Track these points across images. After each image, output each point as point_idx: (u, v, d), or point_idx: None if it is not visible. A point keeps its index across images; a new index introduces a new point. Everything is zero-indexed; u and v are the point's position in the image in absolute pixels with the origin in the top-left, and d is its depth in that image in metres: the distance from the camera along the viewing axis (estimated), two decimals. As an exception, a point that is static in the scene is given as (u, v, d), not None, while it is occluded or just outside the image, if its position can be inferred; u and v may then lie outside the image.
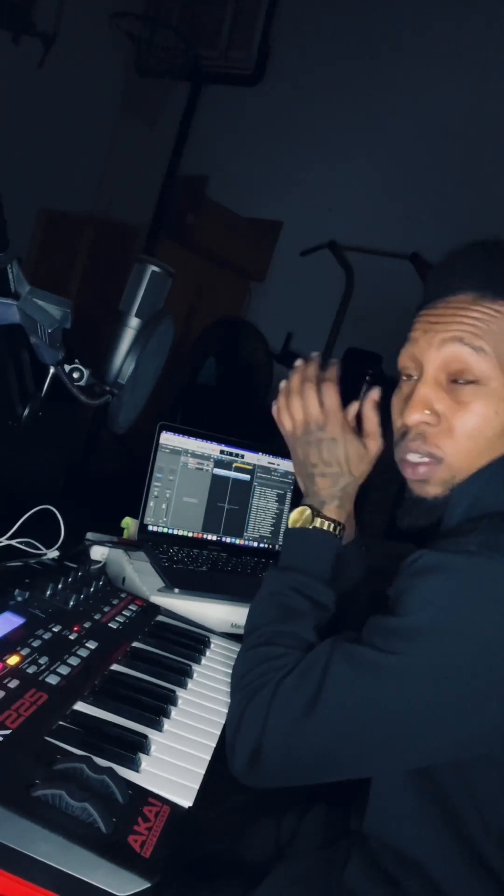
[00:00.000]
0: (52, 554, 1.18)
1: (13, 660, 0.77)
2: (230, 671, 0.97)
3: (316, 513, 0.93)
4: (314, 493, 0.95)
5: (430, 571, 0.71)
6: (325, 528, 0.92)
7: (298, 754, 0.72)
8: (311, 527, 0.92)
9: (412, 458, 0.84)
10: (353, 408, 0.99)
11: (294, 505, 1.52)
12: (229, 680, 0.94)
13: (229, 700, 0.81)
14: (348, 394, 1.00)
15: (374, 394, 0.98)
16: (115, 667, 0.88)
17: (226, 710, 0.86)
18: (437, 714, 0.68)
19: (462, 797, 0.73)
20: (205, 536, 1.45)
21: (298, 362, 1.01)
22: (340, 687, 0.71)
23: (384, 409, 0.97)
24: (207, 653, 1.02)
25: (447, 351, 0.81)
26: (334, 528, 0.92)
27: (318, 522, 0.92)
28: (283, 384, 1.00)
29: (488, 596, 0.68)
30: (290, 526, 0.95)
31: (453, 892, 0.74)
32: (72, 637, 0.88)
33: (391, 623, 0.72)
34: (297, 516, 0.94)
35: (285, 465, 1.54)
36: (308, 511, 0.94)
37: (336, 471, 0.94)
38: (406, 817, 0.77)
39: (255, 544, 1.50)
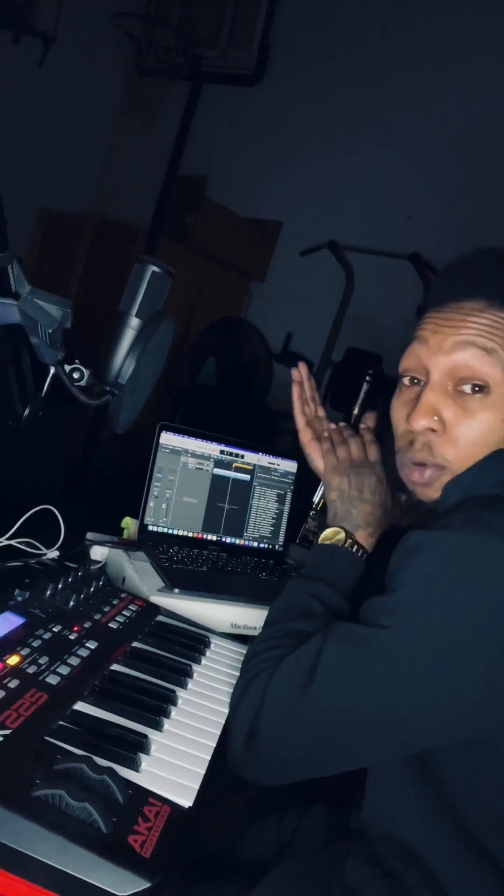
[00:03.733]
0: (52, 554, 1.18)
1: (13, 660, 0.77)
2: (230, 671, 0.98)
3: (349, 535, 0.97)
4: (354, 516, 1.00)
5: (418, 549, 0.73)
6: (353, 550, 0.96)
7: (294, 736, 0.73)
8: (341, 546, 0.96)
9: (418, 464, 0.86)
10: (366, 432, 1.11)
11: (294, 505, 1.53)
12: (229, 680, 0.94)
13: (230, 698, 0.82)
14: (348, 394, 1.01)
15: (370, 421, 1.11)
16: (115, 667, 0.88)
17: (226, 710, 0.86)
18: (430, 688, 0.69)
19: (457, 782, 0.73)
20: (205, 536, 1.45)
21: (326, 422, 1.14)
22: (335, 663, 0.73)
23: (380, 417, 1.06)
24: (207, 653, 1.02)
25: (458, 355, 0.81)
26: (361, 554, 0.96)
27: (348, 544, 0.96)
28: (325, 432, 1.12)
29: (474, 569, 0.69)
30: (320, 542, 0.98)
31: (451, 879, 0.74)
32: (72, 637, 0.88)
33: (382, 600, 0.74)
34: (329, 535, 0.98)
35: (285, 465, 1.54)
36: (342, 533, 0.98)
37: (377, 501, 1.01)
38: (402, 806, 0.77)
39: (255, 544, 1.50)
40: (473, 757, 0.72)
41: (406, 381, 0.88)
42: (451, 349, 0.81)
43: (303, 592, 0.90)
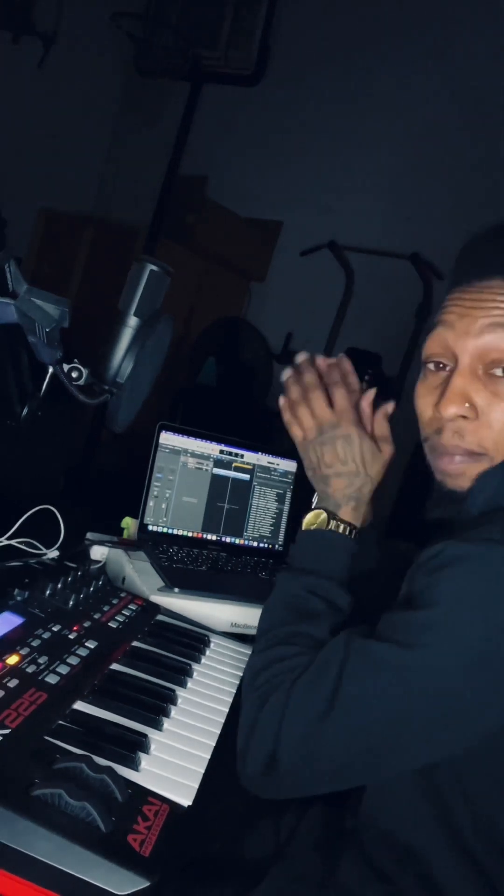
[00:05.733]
0: (52, 554, 1.18)
1: (13, 659, 0.77)
2: (230, 670, 0.97)
3: (332, 516, 0.90)
4: (329, 495, 0.92)
5: (453, 563, 0.69)
6: (339, 530, 0.89)
7: (316, 760, 0.70)
8: (326, 529, 0.90)
9: (450, 452, 0.81)
10: (365, 401, 0.96)
11: (294, 505, 1.53)
12: (230, 679, 0.94)
13: (230, 699, 0.80)
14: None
15: (389, 407, 0.96)
16: (114, 666, 0.88)
17: (226, 710, 0.86)
18: (463, 704, 0.67)
19: (454, 792, 0.73)
20: (205, 536, 1.45)
21: (288, 373, 0.98)
22: (359, 687, 0.69)
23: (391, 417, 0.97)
24: (207, 652, 1.02)
25: (487, 338, 0.77)
26: (349, 532, 0.90)
27: (333, 525, 0.89)
28: (283, 401, 0.98)
29: None
30: (303, 528, 0.92)
31: (446, 887, 0.74)
32: (71, 636, 0.88)
33: (414, 617, 0.69)
34: (311, 519, 0.91)
35: (285, 464, 1.54)
36: (323, 514, 0.91)
37: (352, 469, 0.91)
38: (400, 812, 0.77)
39: (255, 544, 1.50)
40: (470, 767, 0.71)
41: (431, 366, 0.83)
42: (479, 332, 0.77)
43: (298, 589, 0.84)
